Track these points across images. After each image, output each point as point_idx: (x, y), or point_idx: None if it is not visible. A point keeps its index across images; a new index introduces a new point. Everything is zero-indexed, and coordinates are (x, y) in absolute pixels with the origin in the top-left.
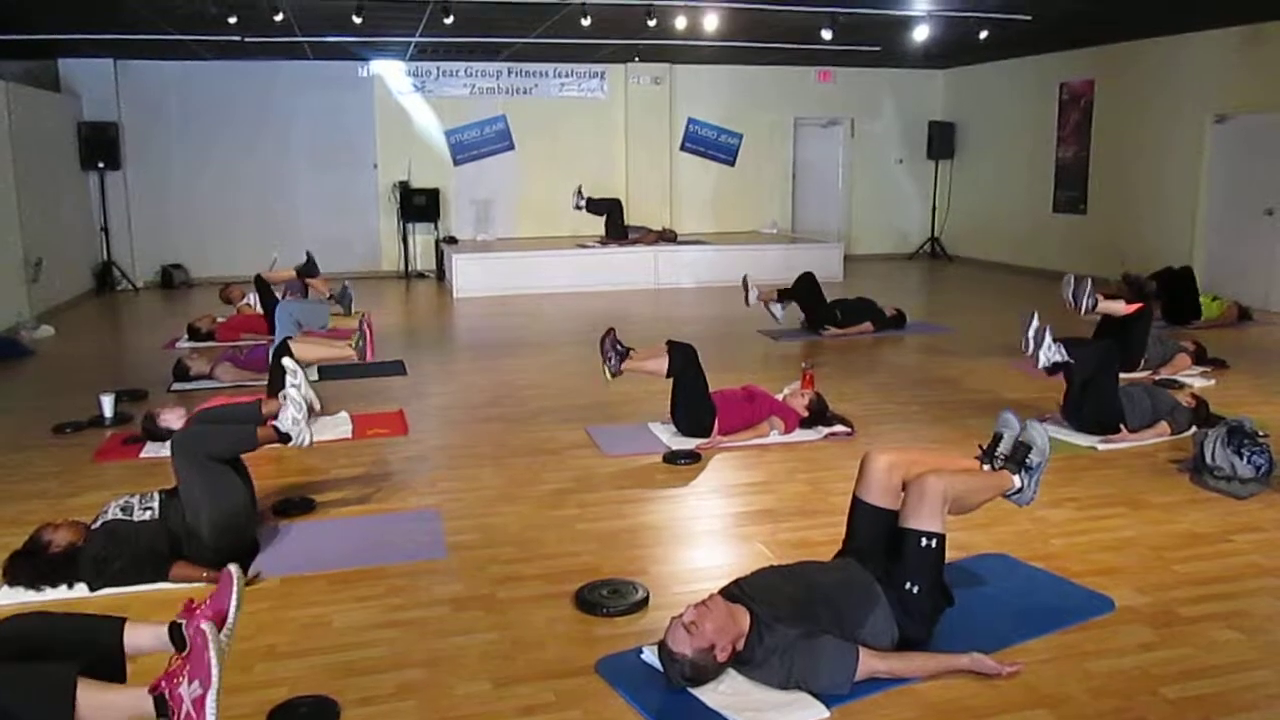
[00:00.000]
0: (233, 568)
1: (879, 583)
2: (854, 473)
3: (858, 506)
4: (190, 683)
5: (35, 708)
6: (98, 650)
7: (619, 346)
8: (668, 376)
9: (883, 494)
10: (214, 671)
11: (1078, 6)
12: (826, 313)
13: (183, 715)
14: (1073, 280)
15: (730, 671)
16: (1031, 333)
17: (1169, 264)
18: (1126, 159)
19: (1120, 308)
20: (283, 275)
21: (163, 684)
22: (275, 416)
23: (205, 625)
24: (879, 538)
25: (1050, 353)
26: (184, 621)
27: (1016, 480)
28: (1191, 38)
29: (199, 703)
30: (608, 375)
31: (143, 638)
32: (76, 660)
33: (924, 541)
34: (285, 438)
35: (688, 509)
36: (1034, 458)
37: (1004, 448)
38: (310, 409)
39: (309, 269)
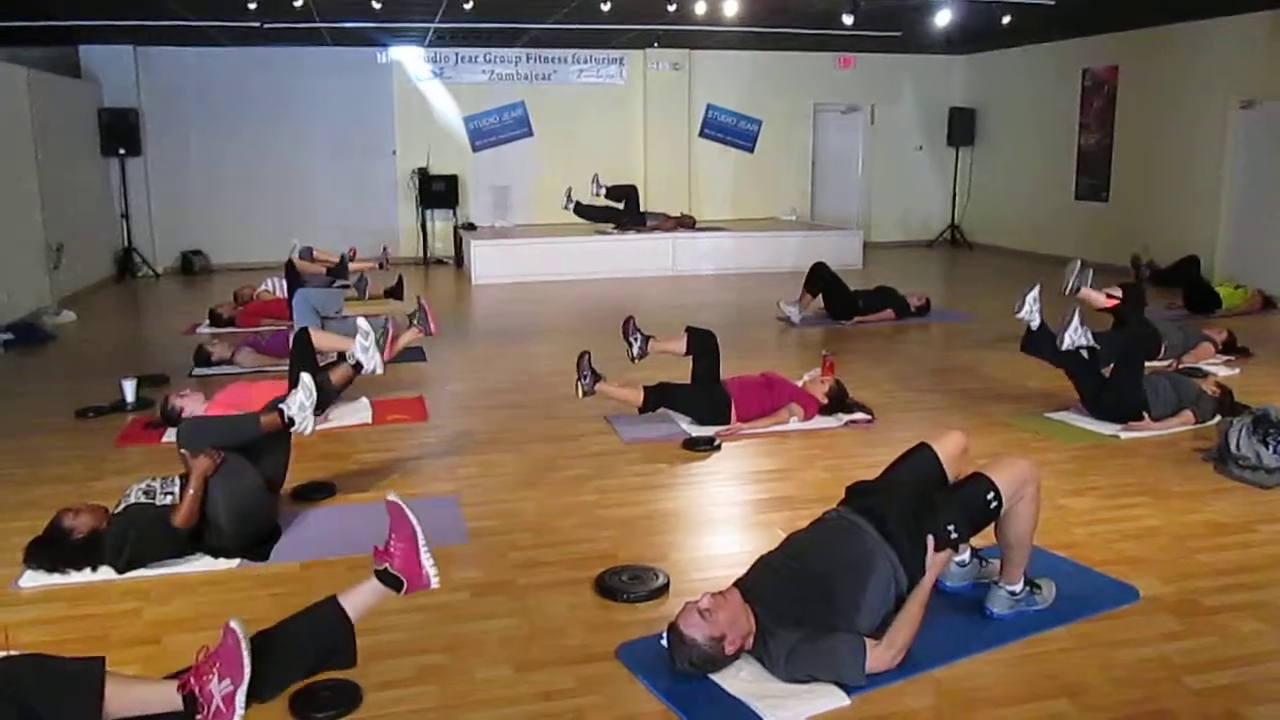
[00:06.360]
0: (234, 622)
1: (884, 539)
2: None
3: (922, 451)
4: (221, 680)
5: (64, 702)
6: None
7: (639, 334)
8: (686, 354)
9: (949, 460)
10: (246, 668)
11: None
12: (850, 303)
13: (212, 711)
14: (1078, 265)
15: (748, 658)
16: (1030, 298)
17: (1191, 253)
18: (1150, 146)
19: (1099, 300)
20: (315, 269)
21: (191, 681)
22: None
23: (235, 624)
24: (920, 485)
25: (1076, 335)
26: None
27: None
28: (1217, 22)
29: (229, 698)
30: (632, 359)
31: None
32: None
33: (990, 495)
34: (290, 422)
35: (707, 495)
36: (1040, 596)
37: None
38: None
39: (340, 271)
